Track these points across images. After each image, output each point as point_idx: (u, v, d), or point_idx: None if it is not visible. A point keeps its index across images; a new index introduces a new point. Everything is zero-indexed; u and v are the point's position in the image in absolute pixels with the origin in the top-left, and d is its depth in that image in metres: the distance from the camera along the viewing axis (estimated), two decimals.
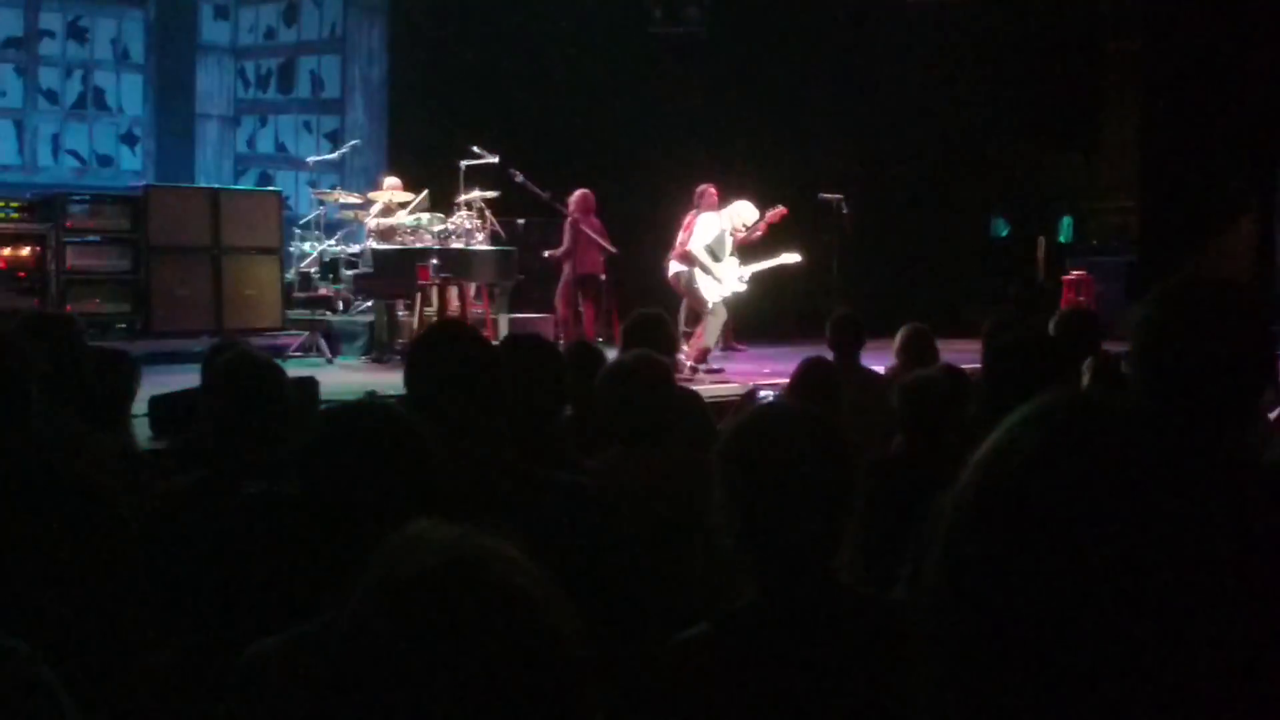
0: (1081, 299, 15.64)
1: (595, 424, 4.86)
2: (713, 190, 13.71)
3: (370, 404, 2.89)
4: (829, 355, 8.38)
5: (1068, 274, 16.39)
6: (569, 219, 14.85)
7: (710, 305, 12.95)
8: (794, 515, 2.68)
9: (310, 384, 8.55)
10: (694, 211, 13.56)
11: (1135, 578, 1.26)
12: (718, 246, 13.08)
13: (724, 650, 2.67)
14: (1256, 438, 2.61)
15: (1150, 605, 1.26)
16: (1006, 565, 1.29)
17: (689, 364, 12.65)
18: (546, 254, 15.30)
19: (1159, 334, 2.58)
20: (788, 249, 13.50)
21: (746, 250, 13.46)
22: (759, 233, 13.53)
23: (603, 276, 15.04)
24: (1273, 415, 7.25)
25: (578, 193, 14.85)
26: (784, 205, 13.73)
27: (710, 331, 13.05)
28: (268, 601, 3.34)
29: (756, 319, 15.09)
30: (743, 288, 13.18)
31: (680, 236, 13.49)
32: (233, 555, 3.68)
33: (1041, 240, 18.99)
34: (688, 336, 13.02)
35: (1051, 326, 6.71)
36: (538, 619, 1.34)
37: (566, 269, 14.95)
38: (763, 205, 13.59)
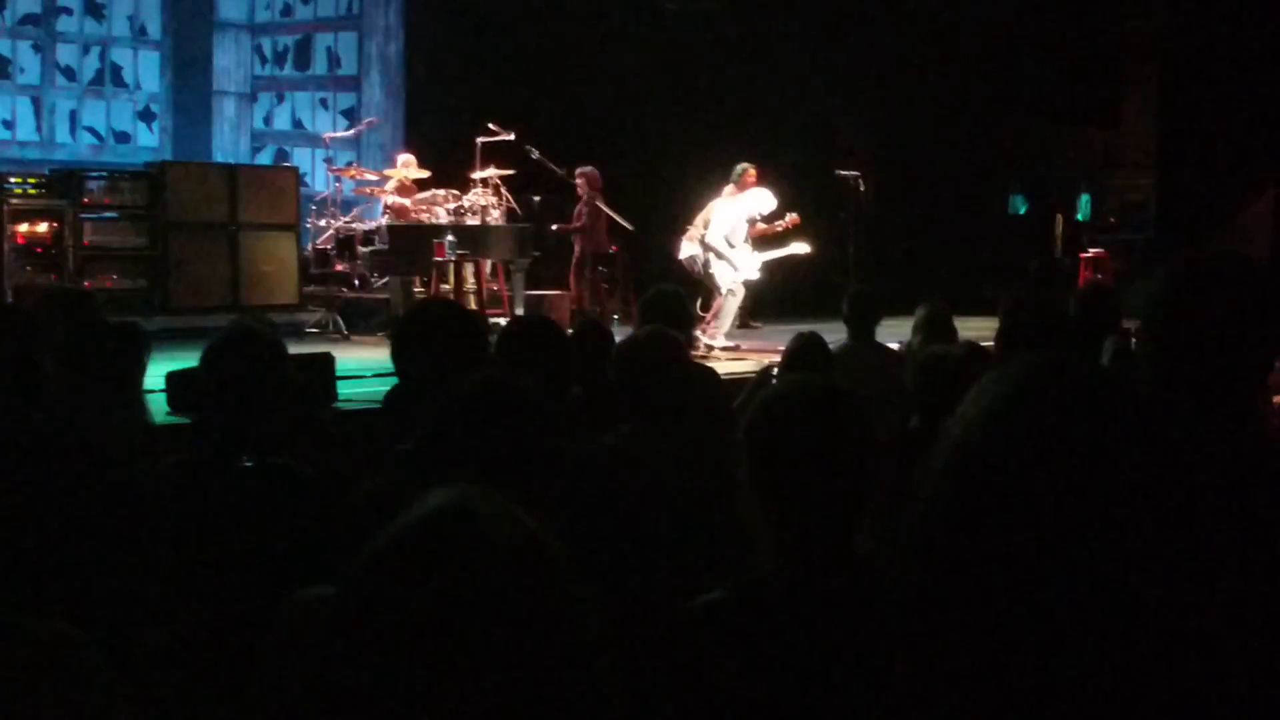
0: (1099, 276, 15.60)
1: (606, 401, 4.85)
2: (753, 171, 13.65)
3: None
4: (845, 331, 8.40)
5: (1086, 251, 16.34)
6: (584, 196, 14.83)
7: (725, 290, 12.98)
8: (817, 488, 2.71)
9: (325, 360, 8.55)
10: (730, 186, 13.56)
11: (1100, 541, 1.27)
12: (733, 235, 13.10)
13: (742, 618, 2.68)
14: (1267, 409, 2.60)
15: (1111, 567, 1.27)
16: (978, 526, 1.30)
17: (706, 341, 12.67)
18: (555, 227, 15.31)
19: (1168, 308, 2.58)
20: (799, 238, 13.52)
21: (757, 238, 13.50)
22: (779, 228, 13.58)
23: (613, 252, 15.05)
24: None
25: (588, 169, 14.83)
26: (805, 183, 13.76)
27: (729, 312, 13.08)
28: (259, 573, 3.36)
29: (773, 297, 15.08)
30: (756, 276, 13.23)
31: (698, 217, 13.51)
32: (227, 528, 3.69)
33: (1060, 218, 18.94)
34: (703, 317, 13.05)
35: (1071, 304, 6.68)
36: (522, 570, 1.34)
37: (580, 246, 14.95)
38: (785, 185, 13.61)
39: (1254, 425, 2.55)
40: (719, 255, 13.00)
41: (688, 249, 13.44)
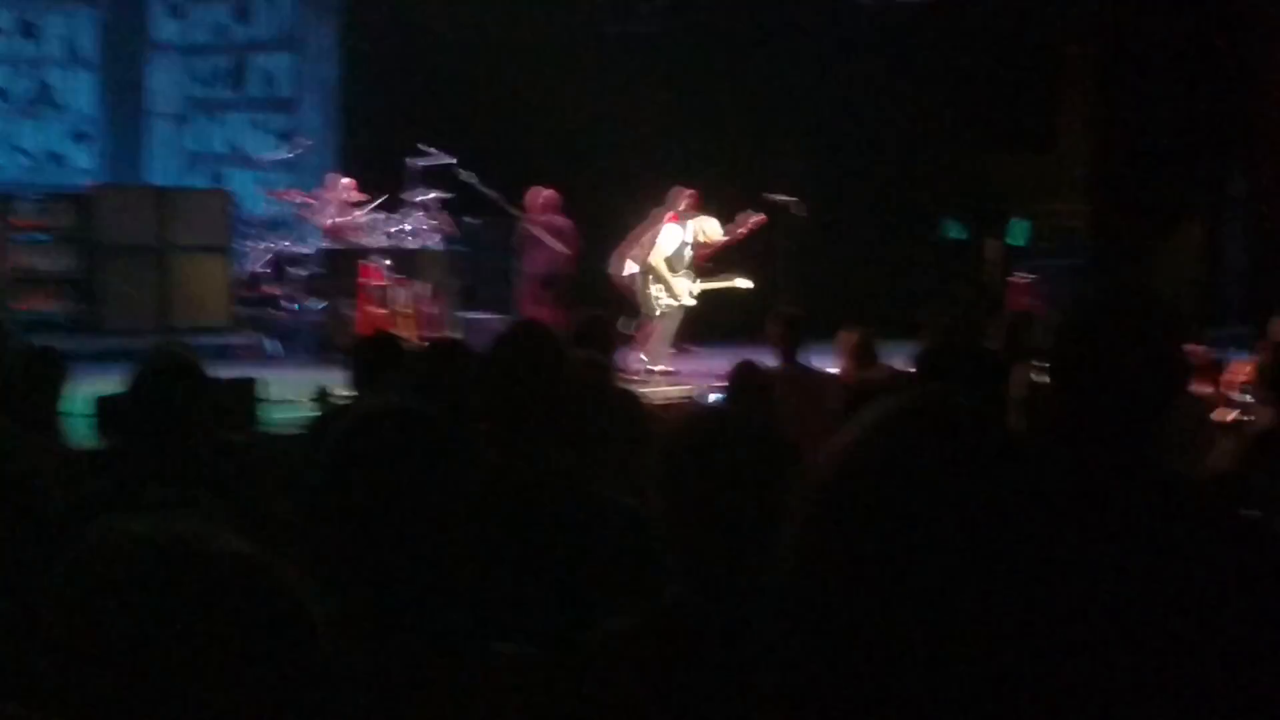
0: (1030, 302, 15.70)
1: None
2: (690, 194, 13.63)
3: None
4: (771, 353, 8.43)
5: (1015, 277, 16.45)
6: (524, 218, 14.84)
7: (658, 312, 13.02)
8: (721, 518, 2.72)
9: (248, 385, 8.51)
10: (665, 210, 13.52)
11: (968, 577, 1.28)
12: (676, 259, 13.14)
13: (649, 645, 2.69)
14: (1160, 447, 2.63)
15: (982, 608, 1.28)
16: (846, 560, 1.31)
17: (646, 366, 12.69)
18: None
19: (1068, 342, 2.61)
20: (743, 272, 13.56)
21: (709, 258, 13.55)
22: (742, 233, 13.56)
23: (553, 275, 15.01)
24: (1215, 416, 7.32)
25: (530, 191, 14.85)
26: (744, 207, 13.80)
27: (666, 334, 13.13)
28: None
29: (708, 319, 15.10)
30: (692, 303, 13.25)
31: (638, 234, 13.51)
32: None
33: (992, 243, 19.06)
34: (632, 338, 13.06)
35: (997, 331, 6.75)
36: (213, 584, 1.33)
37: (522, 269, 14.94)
38: (721, 211, 13.65)
39: (1145, 467, 2.57)
40: (660, 279, 13.04)
41: (629, 267, 13.45)
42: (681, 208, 13.43)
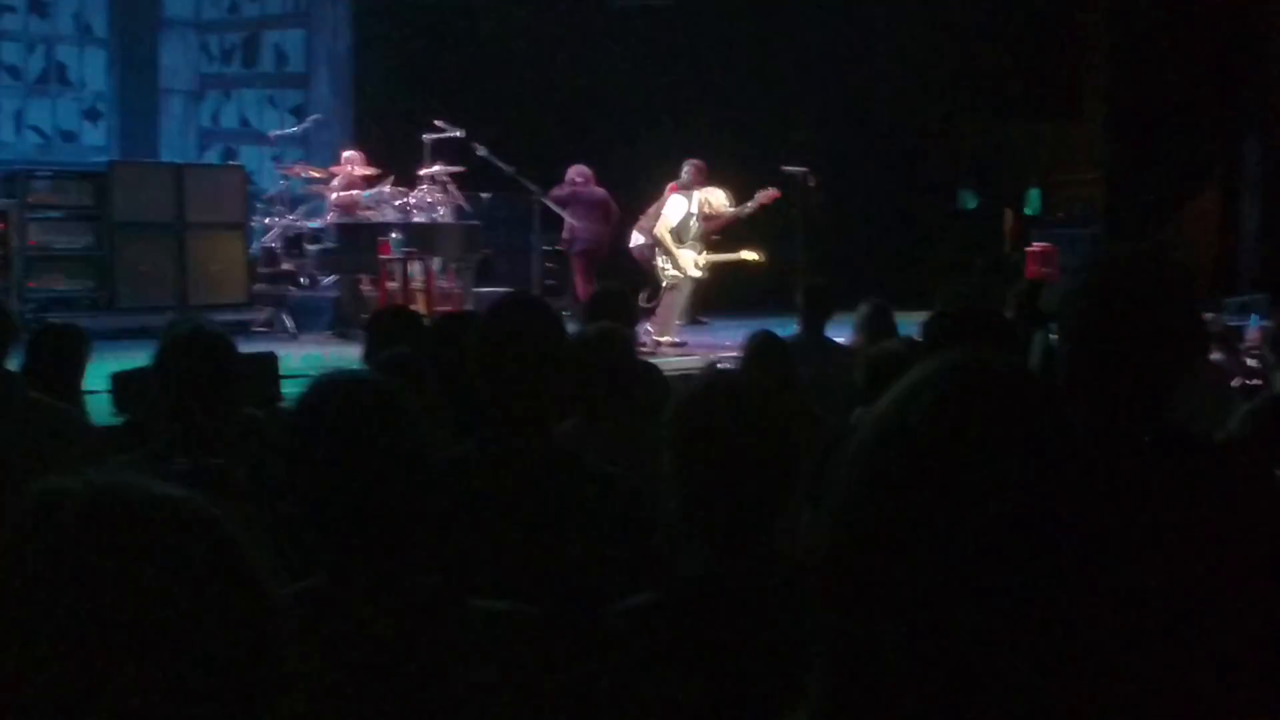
0: (1045, 270, 15.67)
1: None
2: (700, 165, 13.60)
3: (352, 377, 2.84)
4: (798, 325, 8.45)
5: (1032, 246, 16.42)
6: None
7: (666, 285, 13.02)
8: (736, 486, 2.72)
9: (270, 359, 8.52)
10: (675, 184, 13.51)
11: (1012, 545, 1.28)
12: (682, 230, 13.11)
13: (669, 619, 2.69)
14: (1180, 413, 2.63)
15: (1027, 571, 1.28)
16: (893, 525, 1.31)
17: (653, 338, 12.69)
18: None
19: (1083, 306, 2.60)
20: (752, 244, 13.52)
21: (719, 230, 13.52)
22: (753, 208, 13.54)
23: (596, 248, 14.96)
24: (1235, 384, 7.31)
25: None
26: (753, 179, 13.77)
27: (674, 306, 13.11)
28: None
29: (721, 292, 15.10)
30: (699, 274, 13.22)
31: (651, 208, 13.51)
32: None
33: (1008, 212, 19.04)
34: (651, 310, 13.07)
35: (1009, 299, 6.75)
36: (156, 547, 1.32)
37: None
38: (733, 183, 13.62)
39: (1163, 429, 2.57)
40: (665, 250, 13.03)
41: (637, 238, 13.47)
42: (686, 179, 13.40)
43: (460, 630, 2.53)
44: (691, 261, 13.10)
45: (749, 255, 13.51)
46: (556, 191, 14.69)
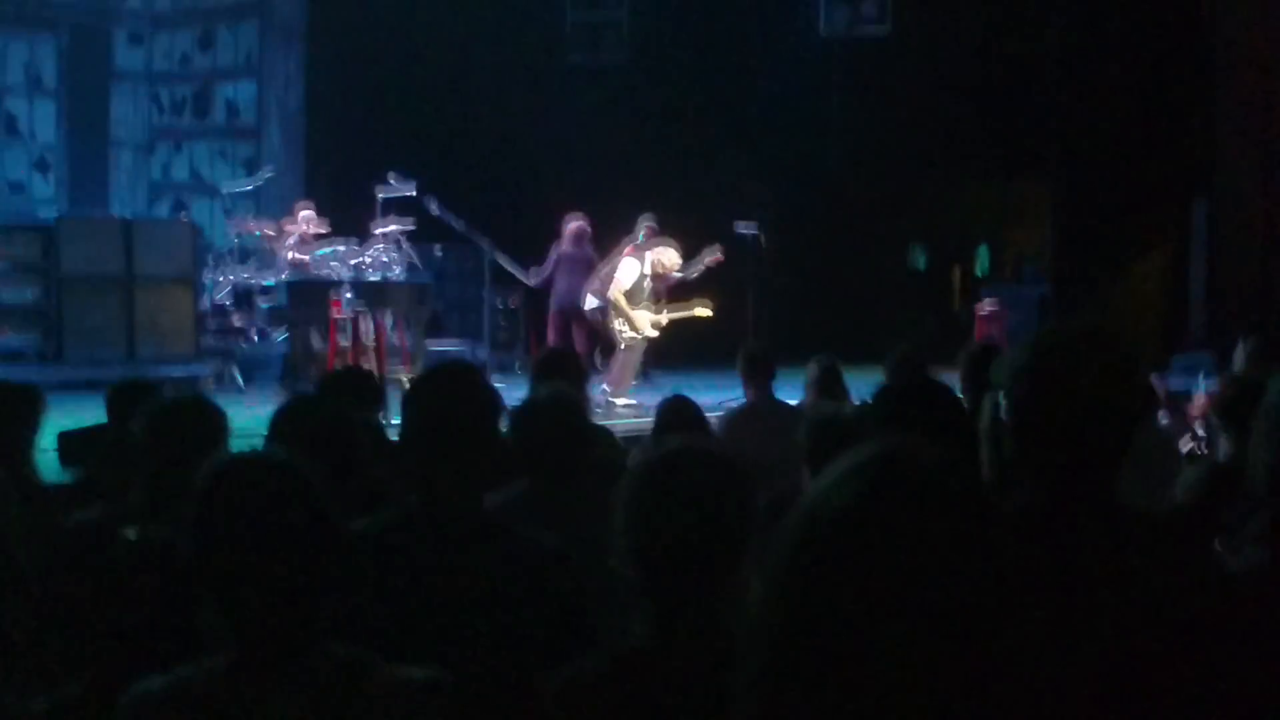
0: (993, 330, 15.78)
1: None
2: (653, 225, 13.66)
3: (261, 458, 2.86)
4: (744, 391, 8.43)
5: (981, 305, 16.53)
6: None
7: (622, 345, 13.04)
8: (686, 554, 2.70)
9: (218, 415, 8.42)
10: (629, 242, 13.54)
11: (934, 631, 1.29)
12: (636, 291, 13.13)
13: (613, 688, 2.68)
14: (1126, 479, 2.65)
15: (949, 660, 1.29)
16: (815, 614, 1.31)
17: (608, 397, 12.69)
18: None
19: (1028, 385, 2.63)
20: (703, 298, 13.56)
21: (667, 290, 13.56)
22: (701, 269, 13.62)
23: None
24: (1183, 448, 7.36)
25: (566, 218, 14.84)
26: (711, 237, 13.83)
27: (630, 365, 13.13)
28: (146, 646, 3.31)
29: (675, 350, 15.13)
30: (655, 334, 13.26)
31: (602, 269, 13.53)
32: (111, 599, 3.65)
33: (958, 270, 19.17)
34: (604, 367, 13.11)
35: (961, 361, 6.77)
36: None
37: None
38: (686, 240, 13.67)
39: (1105, 503, 2.59)
40: (621, 313, 13.04)
41: (591, 301, 13.47)
42: (640, 240, 13.47)
43: (374, 700, 2.54)
44: (648, 322, 13.14)
45: (702, 310, 13.54)
46: (549, 259, 14.66)
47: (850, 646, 1.31)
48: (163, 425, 4.09)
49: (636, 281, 13.10)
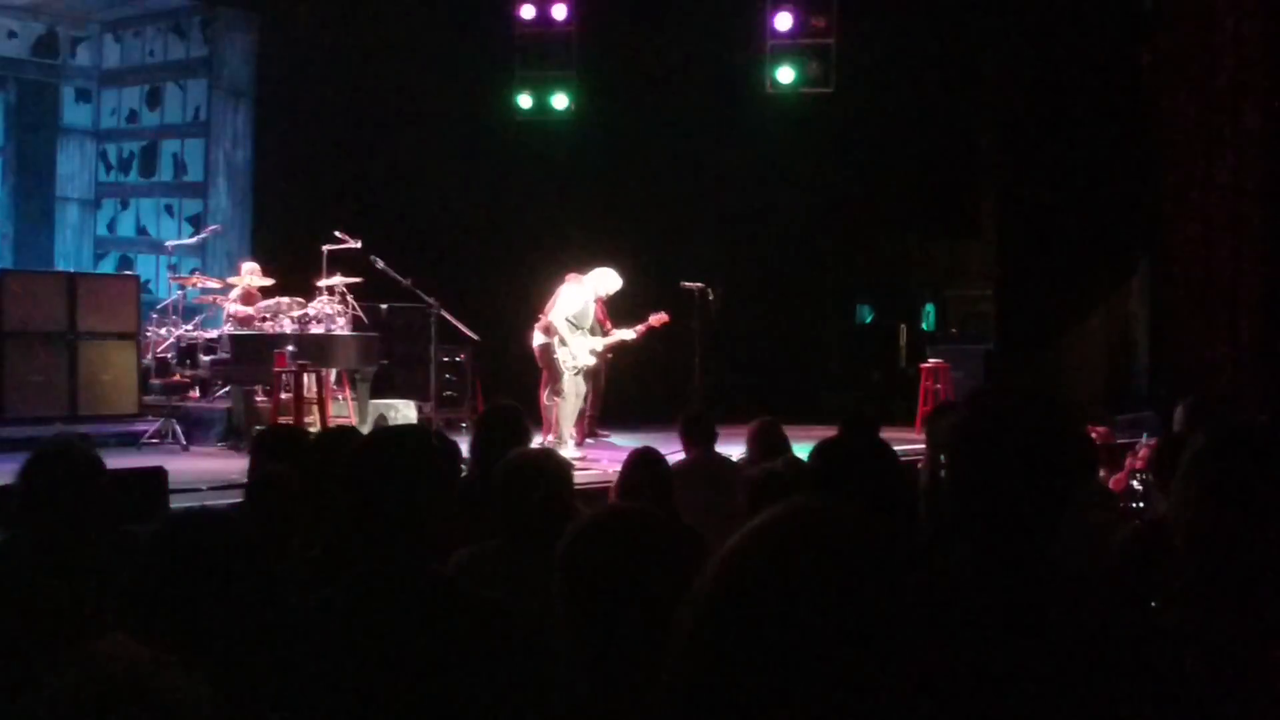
0: (939, 387, 15.86)
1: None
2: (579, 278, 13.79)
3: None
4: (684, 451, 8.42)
5: (926, 362, 16.61)
6: None
7: (566, 376, 13.08)
8: (624, 617, 2.67)
9: (158, 475, 8.38)
10: (572, 275, 13.67)
11: (846, 685, 1.29)
12: (580, 318, 13.25)
13: None
14: (1065, 530, 2.67)
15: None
16: (726, 673, 1.32)
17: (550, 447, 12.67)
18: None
19: (965, 449, 2.64)
20: (648, 354, 13.67)
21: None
22: (642, 330, 13.74)
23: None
24: (1121, 504, 7.39)
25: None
26: (657, 293, 13.92)
27: (566, 416, 13.15)
28: None
29: (623, 405, 15.14)
30: (593, 361, 13.37)
31: (548, 305, 13.60)
32: None
33: (903, 327, 19.26)
34: (549, 411, 13.18)
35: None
36: None
37: None
38: (633, 296, 13.75)
39: (1037, 568, 2.60)
40: (562, 341, 13.14)
41: (539, 338, 13.49)
42: (577, 273, 13.63)
43: None
44: (586, 349, 13.25)
45: (625, 334, 13.79)
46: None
47: (757, 699, 1.31)
48: (36, 471, 4.11)
49: (580, 309, 13.26)
